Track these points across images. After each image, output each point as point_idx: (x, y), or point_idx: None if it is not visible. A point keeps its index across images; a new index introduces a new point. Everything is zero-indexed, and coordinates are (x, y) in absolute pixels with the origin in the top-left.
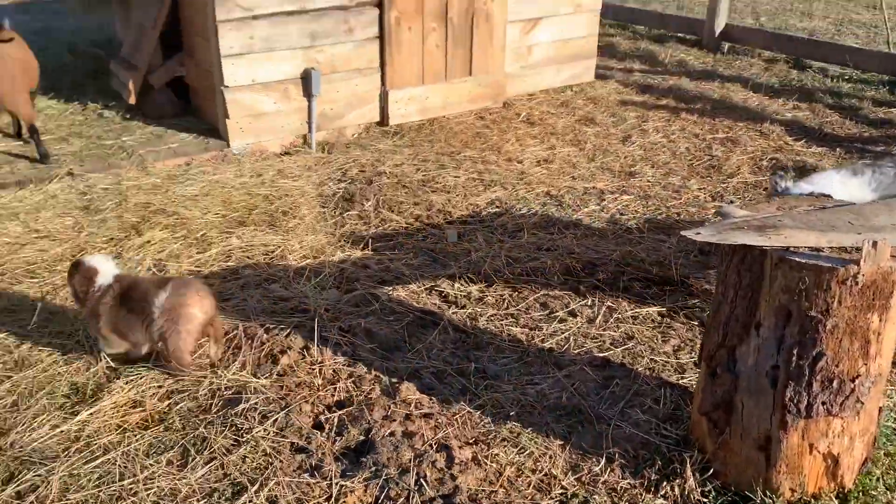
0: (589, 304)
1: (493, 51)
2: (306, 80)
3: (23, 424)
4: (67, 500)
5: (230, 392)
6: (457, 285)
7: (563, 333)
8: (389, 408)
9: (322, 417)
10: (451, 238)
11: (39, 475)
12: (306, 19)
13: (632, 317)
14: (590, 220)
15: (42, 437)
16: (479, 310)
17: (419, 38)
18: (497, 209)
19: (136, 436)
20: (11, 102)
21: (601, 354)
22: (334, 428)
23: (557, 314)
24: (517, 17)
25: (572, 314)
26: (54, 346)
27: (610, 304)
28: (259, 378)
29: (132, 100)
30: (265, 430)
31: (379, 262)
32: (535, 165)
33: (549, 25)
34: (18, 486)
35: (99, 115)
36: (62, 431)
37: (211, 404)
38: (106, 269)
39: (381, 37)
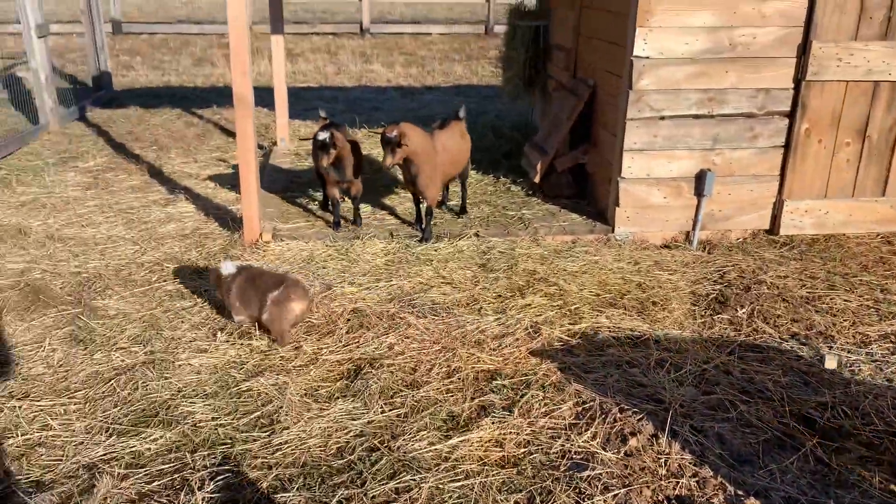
0: None
1: None
2: (700, 179)
3: (409, 434)
4: None
5: (579, 457)
6: (827, 415)
7: None
8: None
9: None
10: (830, 365)
11: (414, 480)
12: (711, 123)
13: None
14: None
15: (421, 449)
16: (849, 446)
17: (828, 152)
18: (891, 344)
19: (493, 471)
20: (424, 185)
21: None
22: None
23: None
24: None
25: None
26: (442, 375)
27: None
28: (607, 451)
29: (537, 179)
30: (605, 500)
31: (744, 371)
32: None
33: None
34: (398, 483)
35: (507, 188)
36: (436, 449)
37: (560, 463)
38: (228, 268)
39: (787, 146)
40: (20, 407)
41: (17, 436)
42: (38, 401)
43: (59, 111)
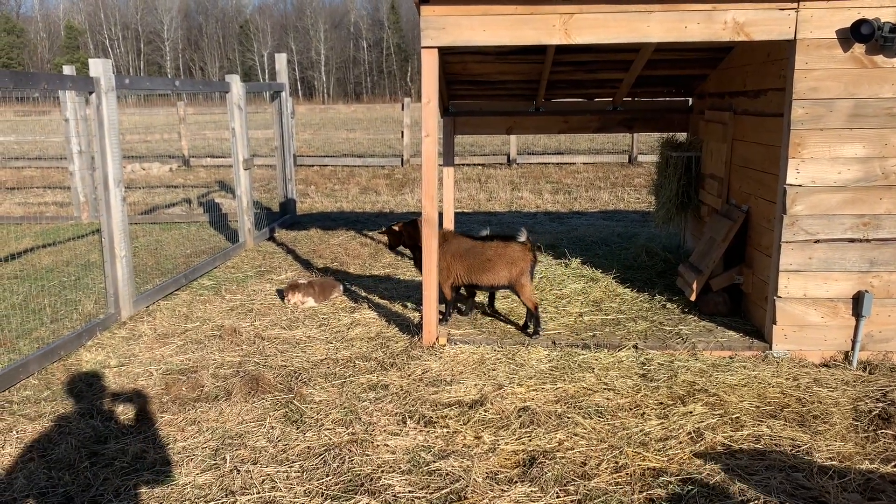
0: None
1: None
2: (857, 301)
3: None
4: None
5: None
6: None
7: None
8: None
9: None
10: None
11: None
12: (867, 247)
13: None
14: None
15: None
16: None
17: None
18: None
19: None
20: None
21: None
22: None
23: None
24: None
25: None
26: (610, 470)
27: None
28: None
29: (693, 297)
30: None
31: None
32: None
33: None
34: None
35: (662, 305)
36: None
37: None
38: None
39: None
40: (252, 471)
41: (253, 493)
42: (266, 467)
43: (254, 232)
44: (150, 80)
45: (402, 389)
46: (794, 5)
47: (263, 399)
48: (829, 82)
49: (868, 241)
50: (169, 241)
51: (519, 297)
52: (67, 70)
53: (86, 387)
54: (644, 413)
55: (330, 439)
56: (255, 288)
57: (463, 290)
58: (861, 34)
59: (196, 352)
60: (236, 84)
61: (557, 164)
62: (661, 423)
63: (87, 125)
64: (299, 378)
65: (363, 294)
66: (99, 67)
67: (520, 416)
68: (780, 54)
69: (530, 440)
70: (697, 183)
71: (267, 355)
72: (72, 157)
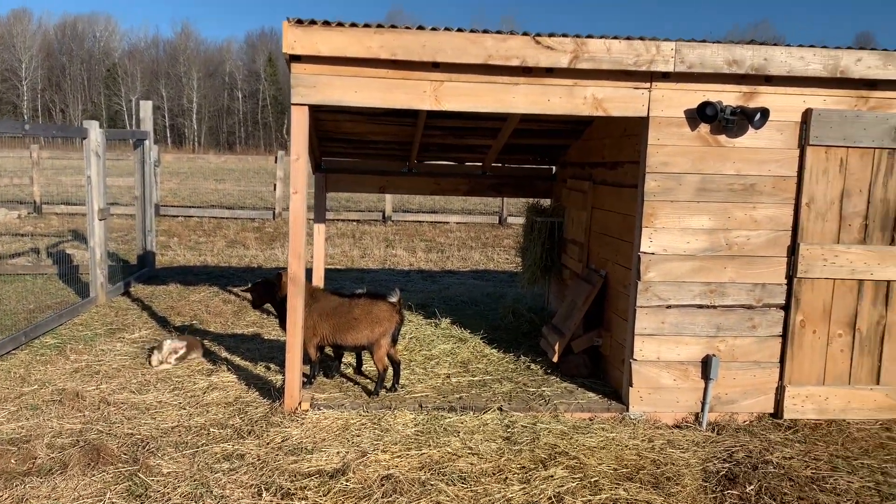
0: None
1: None
2: (706, 364)
3: None
4: None
5: None
6: None
7: None
8: None
9: None
10: None
11: None
12: (714, 313)
13: None
14: None
15: None
16: None
17: (823, 342)
18: None
19: None
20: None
21: None
22: None
23: None
24: None
25: None
26: None
27: None
28: None
29: (555, 359)
30: None
31: None
32: None
33: None
34: None
35: (527, 366)
36: None
37: None
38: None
39: (784, 335)
40: None
41: None
42: None
43: (107, 286)
44: None
45: (259, 459)
46: (648, 85)
47: (104, 472)
48: (679, 158)
49: (715, 307)
50: (10, 295)
51: (372, 356)
52: None
53: None
54: (507, 478)
55: None
56: (103, 347)
57: (329, 351)
58: (706, 115)
59: (31, 419)
60: (94, 130)
61: (431, 222)
62: (524, 489)
63: None
64: (146, 447)
65: (224, 355)
66: None
67: (382, 486)
68: (635, 129)
69: None
70: (560, 247)
71: (112, 422)
72: None
